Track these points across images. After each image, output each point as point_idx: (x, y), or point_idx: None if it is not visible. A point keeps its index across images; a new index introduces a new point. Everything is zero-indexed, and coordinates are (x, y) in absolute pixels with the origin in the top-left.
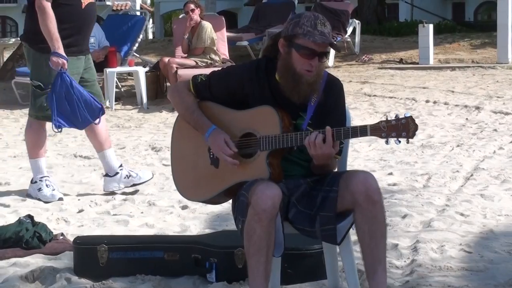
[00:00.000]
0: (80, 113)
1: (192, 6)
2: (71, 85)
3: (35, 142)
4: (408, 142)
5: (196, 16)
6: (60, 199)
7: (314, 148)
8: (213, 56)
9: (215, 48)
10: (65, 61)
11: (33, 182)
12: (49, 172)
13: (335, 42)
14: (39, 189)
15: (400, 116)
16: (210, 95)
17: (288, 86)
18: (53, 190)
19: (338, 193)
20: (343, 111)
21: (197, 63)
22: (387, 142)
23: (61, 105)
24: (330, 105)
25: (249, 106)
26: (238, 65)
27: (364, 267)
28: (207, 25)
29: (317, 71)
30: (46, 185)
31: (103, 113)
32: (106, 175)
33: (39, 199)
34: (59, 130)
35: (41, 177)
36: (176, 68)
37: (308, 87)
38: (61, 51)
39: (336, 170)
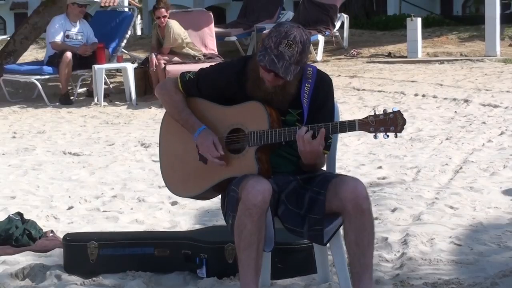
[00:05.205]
0: None
1: (164, 12)
2: None
3: None
4: (396, 137)
5: (166, 19)
6: None
7: (302, 143)
8: (190, 51)
9: (186, 42)
10: None
11: None
12: (38, 169)
13: (280, 73)
14: None
15: (388, 111)
16: (198, 92)
17: (249, 85)
18: None
19: (326, 198)
20: (332, 107)
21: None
22: (375, 137)
23: None
24: (320, 101)
25: (237, 103)
26: (227, 62)
27: (350, 274)
28: (172, 24)
29: (281, 85)
30: None
31: None
32: None
33: None
34: None
35: None
36: (164, 64)
37: (264, 94)
38: None
39: (325, 164)
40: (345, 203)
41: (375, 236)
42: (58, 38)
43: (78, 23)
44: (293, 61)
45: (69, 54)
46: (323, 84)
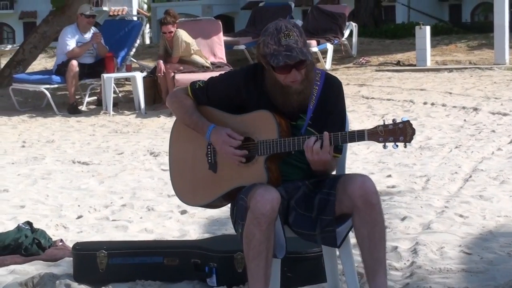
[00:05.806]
0: None
1: (170, 27)
2: None
3: None
4: (405, 147)
5: (172, 33)
6: None
7: (311, 153)
8: (197, 59)
9: (193, 50)
10: None
11: None
12: (47, 178)
13: (301, 57)
14: None
15: (398, 121)
16: (208, 100)
17: (278, 100)
18: None
19: (336, 197)
20: (343, 110)
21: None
22: (384, 147)
23: None
24: (330, 104)
25: (247, 110)
26: (236, 70)
27: (364, 270)
28: (180, 33)
29: (305, 77)
30: None
31: None
32: None
33: None
34: None
35: None
36: (173, 73)
37: (298, 96)
38: None
39: (335, 168)
40: (355, 199)
41: (386, 236)
42: (73, 45)
43: (88, 33)
44: (301, 44)
45: (74, 63)
46: (332, 87)
